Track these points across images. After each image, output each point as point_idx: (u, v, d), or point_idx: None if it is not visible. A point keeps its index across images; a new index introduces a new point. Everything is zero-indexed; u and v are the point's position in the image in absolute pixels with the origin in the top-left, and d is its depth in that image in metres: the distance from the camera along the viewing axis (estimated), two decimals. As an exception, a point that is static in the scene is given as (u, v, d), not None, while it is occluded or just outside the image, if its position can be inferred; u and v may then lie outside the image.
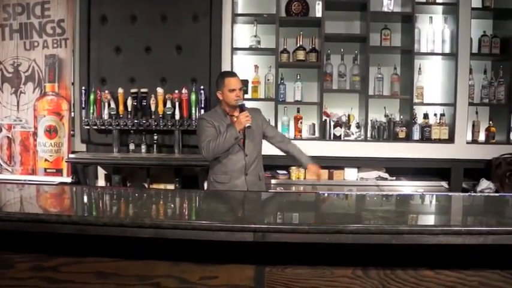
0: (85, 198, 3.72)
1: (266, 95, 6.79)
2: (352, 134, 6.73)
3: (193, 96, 6.47)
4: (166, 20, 6.67)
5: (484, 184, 6.31)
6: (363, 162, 6.69)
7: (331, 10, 6.67)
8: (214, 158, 4.85)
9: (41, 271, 2.90)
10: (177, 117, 6.47)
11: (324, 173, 6.50)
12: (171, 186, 6.65)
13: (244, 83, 6.57)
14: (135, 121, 6.50)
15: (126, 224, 2.68)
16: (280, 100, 6.68)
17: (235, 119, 4.81)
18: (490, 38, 6.69)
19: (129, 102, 6.50)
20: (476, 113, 6.74)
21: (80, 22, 6.70)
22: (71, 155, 6.54)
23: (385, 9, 6.68)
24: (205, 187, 5.46)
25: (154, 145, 6.65)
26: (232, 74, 5.04)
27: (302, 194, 4.55)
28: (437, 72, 6.97)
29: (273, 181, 6.60)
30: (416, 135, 6.68)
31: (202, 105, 6.45)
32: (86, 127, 6.65)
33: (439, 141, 6.65)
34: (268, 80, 6.76)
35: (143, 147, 6.63)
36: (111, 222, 2.69)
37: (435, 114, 6.75)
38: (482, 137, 6.78)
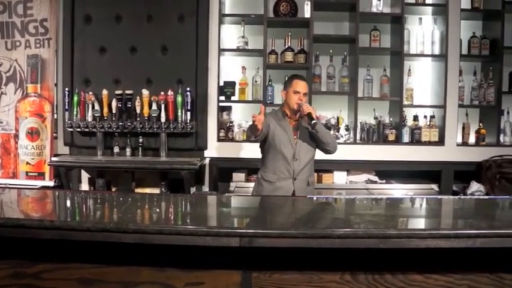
0: (68, 203, 3.66)
1: (254, 97, 6.74)
2: (342, 136, 6.68)
3: (179, 98, 6.36)
4: (151, 20, 6.59)
5: (474, 187, 6.30)
6: (352, 165, 6.65)
7: (319, 11, 6.64)
8: (265, 154, 5.05)
9: (22, 278, 2.83)
10: (163, 119, 6.37)
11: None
12: (156, 190, 6.57)
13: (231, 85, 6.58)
14: (120, 123, 6.40)
15: (110, 229, 2.62)
16: (268, 102, 6.61)
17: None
18: (480, 39, 6.68)
19: (114, 104, 6.40)
20: (466, 115, 6.72)
21: (64, 22, 6.61)
22: (54, 158, 6.44)
23: (374, 10, 6.65)
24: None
25: (140, 148, 6.56)
26: (302, 77, 5.12)
27: (290, 198, 4.46)
28: (427, 73, 6.96)
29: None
30: (406, 138, 6.64)
31: (189, 107, 6.35)
32: (69, 129, 6.55)
33: (429, 143, 6.62)
34: (255, 81, 6.70)
35: (128, 151, 6.52)
36: (95, 228, 2.63)
37: (425, 116, 6.73)
38: (472, 139, 6.75)
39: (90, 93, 6.40)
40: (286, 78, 5.16)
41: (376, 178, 6.65)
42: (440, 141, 6.60)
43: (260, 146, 5.10)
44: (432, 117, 6.69)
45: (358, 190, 6.52)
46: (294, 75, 5.11)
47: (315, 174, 6.28)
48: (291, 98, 4.90)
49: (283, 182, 4.92)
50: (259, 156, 5.24)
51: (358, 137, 6.67)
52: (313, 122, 4.74)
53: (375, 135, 6.68)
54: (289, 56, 6.63)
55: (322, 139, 4.86)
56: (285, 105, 5.01)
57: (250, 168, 6.35)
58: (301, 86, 4.91)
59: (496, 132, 6.60)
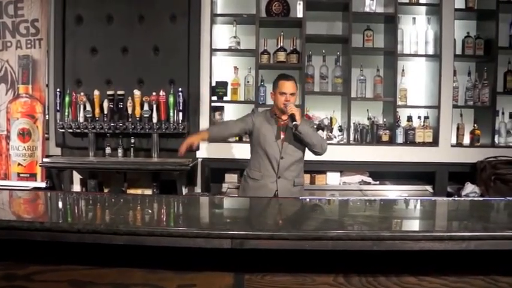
0: (60, 204, 3.65)
1: (246, 97, 6.70)
2: (335, 137, 6.66)
3: (171, 99, 6.33)
4: (143, 20, 6.55)
5: (469, 188, 6.27)
6: (345, 166, 6.62)
7: (312, 10, 6.61)
8: (252, 152, 5.11)
9: (13, 280, 2.82)
10: (155, 120, 6.35)
11: (306, 177, 6.41)
12: (149, 191, 6.55)
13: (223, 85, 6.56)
14: (112, 124, 6.38)
15: (101, 231, 2.62)
16: (260, 103, 6.58)
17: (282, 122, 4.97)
18: (474, 39, 6.66)
19: (106, 104, 6.38)
20: (461, 115, 6.70)
21: (55, 22, 6.58)
22: (45, 159, 6.40)
23: (367, 9, 6.62)
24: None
25: (132, 149, 6.52)
26: (287, 77, 5.04)
27: (283, 199, 4.44)
28: (420, 74, 6.93)
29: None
30: (400, 139, 6.62)
31: (181, 108, 6.33)
32: (61, 130, 6.52)
33: (423, 144, 6.59)
34: (248, 82, 6.67)
35: (120, 151, 6.50)
36: (85, 229, 2.62)
37: (419, 117, 6.71)
38: (467, 140, 6.73)
39: (82, 93, 6.37)
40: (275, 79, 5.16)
41: (369, 179, 6.62)
42: (435, 142, 6.57)
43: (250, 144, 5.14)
44: (426, 117, 6.66)
45: (351, 191, 6.48)
46: (281, 76, 5.10)
47: (308, 175, 6.34)
48: (278, 99, 4.90)
49: (267, 180, 4.94)
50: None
51: (351, 138, 6.64)
52: (294, 123, 4.73)
53: (369, 135, 6.65)
54: (281, 56, 6.59)
55: (307, 140, 4.85)
56: (274, 105, 5.01)
57: (242, 169, 6.25)
58: (287, 86, 4.90)
59: (490, 133, 6.58)
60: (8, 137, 6.60)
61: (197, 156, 6.55)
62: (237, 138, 6.45)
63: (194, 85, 6.51)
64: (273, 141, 4.91)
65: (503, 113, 6.69)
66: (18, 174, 6.61)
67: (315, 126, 5.14)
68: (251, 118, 5.03)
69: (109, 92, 6.43)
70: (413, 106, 6.74)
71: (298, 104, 6.48)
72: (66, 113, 6.39)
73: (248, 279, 2.73)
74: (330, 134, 6.59)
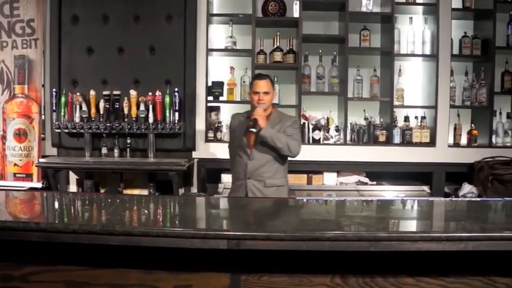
0: (56, 205, 3.65)
1: (242, 98, 6.68)
2: (331, 137, 6.65)
3: (167, 99, 6.31)
4: (139, 20, 6.54)
5: (466, 188, 6.27)
6: (342, 167, 6.61)
7: (308, 10, 6.61)
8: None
9: (9, 281, 2.81)
10: (151, 120, 6.32)
11: (303, 177, 6.47)
12: (145, 192, 6.54)
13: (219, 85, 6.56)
14: (108, 124, 6.35)
15: (97, 231, 2.60)
16: (257, 102, 6.51)
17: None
18: (471, 39, 6.65)
19: (102, 104, 6.36)
20: (458, 115, 6.69)
21: (51, 22, 6.56)
22: (42, 160, 6.38)
23: (364, 9, 6.62)
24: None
25: (128, 149, 6.50)
26: (260, 76, 5.05)
27: (279, 199, 4.43)
28: (417, 74, 6.93)
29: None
30: (397, 139, 6.61)
31: (177, 108, 6.31)
32: (57, 130, 6.50)
33: (420, 144, 6.58)
34: (244, 82, 6.65)
35: (116, 152, 6.47)
36: (81, 230, 2.60)
37: (416, 117, 6.70)
38: (464, 140, 6.71)
39: (78, 94, 6.35)
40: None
41: (366, 179, 6.61)
42: (432, 142, 6.56)
43: None
44: (423, 118, 6.64)
45: (348, 192, 6.46)
46: (255, 76, 5.17)
47: (305, 175, 6.32)
48: (252, 99, 4.91)
49: (239, 182, 4.99)
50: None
51: (348, 138, 6.64)
52: (250, 130, 4.74)
53: (365, 136, 6.64)
54: (278, 56, 6.58)
55: (271, 144, 4.80)
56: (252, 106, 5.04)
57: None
58: (259, 85, 4.87)
59: (488, 133, 6.57)
60: (4, 137, 6.57)
61: (193, 156, 6.54)
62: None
63: (190, 85, 6.49)
64: (243, 143, 4.90)
65: (500, 113, 6.68)
66: (14, 174, 6.58)
67: (297, 127, 5.05)
68: (231, 124, 5.20)
69: (105, 92, 6.40)
70: (410, 106, 6.74)
71: (294, 104, 6.51)
72: (62, 113, 6.36)
73: (245, 279, 2.72)
74: (326, 134, 6.58)
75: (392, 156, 6.52)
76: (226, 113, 6.71)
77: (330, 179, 6.60)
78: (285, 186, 5.10)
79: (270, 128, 4.79)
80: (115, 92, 6.41)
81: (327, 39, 6.76)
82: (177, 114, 6.31)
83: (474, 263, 2.68)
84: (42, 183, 6.53)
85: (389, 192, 6.46)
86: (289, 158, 5.04)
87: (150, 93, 6.31)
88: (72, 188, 6.73)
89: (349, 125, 6.63)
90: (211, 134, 6.60)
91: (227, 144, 5.29)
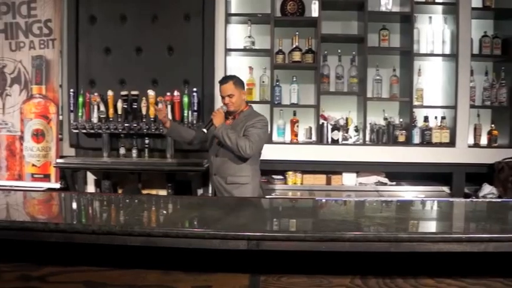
0: (74, 205, 3.61)
1: (261, 98, 6.67)
2: (351, 137, 6.62)
3: (185, 99, 6.33)
4: (157, 19, 6.56)
5: (487, 189, 6.21)
6: (361, 167, 6.58)
7: (327, 10, 6.58)
8: None
9: (28, 281, 2.80)
10: (169, 120, 6.28)
11: (322, 178, 6.46)
12: (163, 192, 6.54)
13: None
14: (126, 125, 6.36)
15: (115, 232, 2.58)
16: (276, 103, 6.56)
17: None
18: (491, 39, 6.59)
19: (119, 105, 6.37)
20: (478, 115, 6.64)
21: (68, 22, 6.60)
22: (59, 160, 6.39)
23: (383, 8, 6.59)
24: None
25: (146, 149, 6.53)
26: (222, 80, 5.23)
27: (298, 200, 4.41)
28: (437, 73, 6.87)
29: (269, 186, 6.46)
30: (416, 139, 6.57)
31: (195, 108, 6.32)
32: (75, 131, 6.52)
33: (440, 145, 6.53)
34: (263, 82, 6.63)
35: (134, 152, 6.49)
36: (100, 230, 2.58)
37: (436, 117, 6.65)
38: (484, 140, 6.67)
39: (96, 94, 6.37)
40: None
41: (386, 180, 6.58)
42: (452, 143, 6.50)
43: None
44: (443, 118, 6.59)
45: (367, 192, 6.44)
46: (220, 79, 5.30)
47: (324, 175, 6.30)
48: (222, 102, 5.11)
49: (211, 178, 5.24)
50: (267, 157, 5.33)
51: (367, 138, 6.61)
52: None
53: (385, 136, 6.60)
54: (296, 56, 6.55)
55: (223, 143, 4.92)
56: None
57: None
58: (222, 89, 5.08)
59: (508, 134, 6.53)
60: (21, 138, 6.59)
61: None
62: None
63: (209, 85, 6.48)
64: (213, 141, 5.10)
65: (521, 113, 6.61)
66: (32, 175, 6.59)
67: (259, 127, 5.03)
68: None
69: (123, 93, 6.41)
70: (430, 106, 6.69)
71: (313, 104, 6.49)
72: (80, 114, 6.39)
73: (264, 280, 2.70)
74: (345, 134, 6.55)
75: (412, 156, 6.48)
76: (244, 114, 6.68)
77: (349, 179, 6.57)
78: (249, 184, 5.10)
79: (225, 127, 4.91)
80: (133, 92, 6.41)
81: (346, 39, 6.72)
82: (195, 114, 6.31)
83: (495, 264, 2.65)
84: (60, 184, 6.55)
85: (408, 192, 6.42)
86: (261, 158, 5.22)
87: (168, 94, 6.31)
88: (90, 188, 6.75)
89: (368, 125, 6.60)
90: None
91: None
